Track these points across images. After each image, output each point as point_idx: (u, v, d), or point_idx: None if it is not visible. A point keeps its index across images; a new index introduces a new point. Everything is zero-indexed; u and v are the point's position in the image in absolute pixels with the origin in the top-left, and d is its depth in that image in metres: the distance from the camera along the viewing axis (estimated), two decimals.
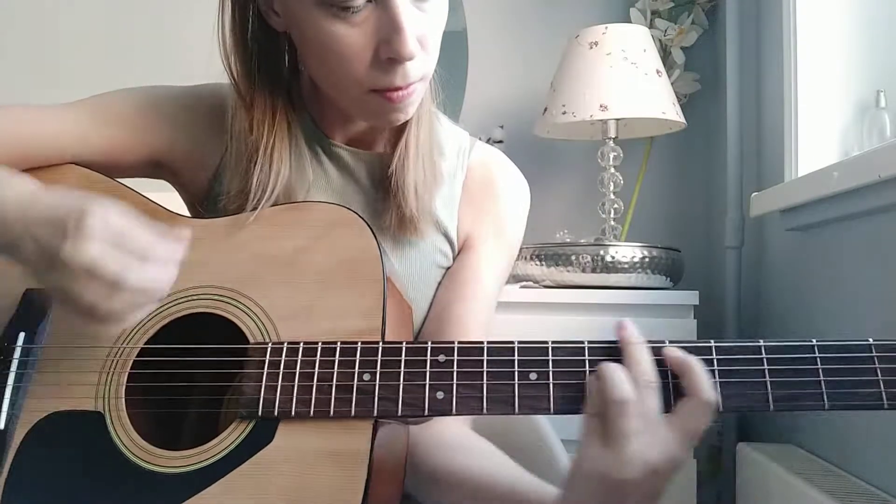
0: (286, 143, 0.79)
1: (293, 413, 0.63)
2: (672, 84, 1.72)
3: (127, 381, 0.68)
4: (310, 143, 0.84)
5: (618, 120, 1.70)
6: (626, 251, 1.56)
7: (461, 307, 0.82)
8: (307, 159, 0.83)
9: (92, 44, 2.10)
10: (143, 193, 0.79)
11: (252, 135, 0.78)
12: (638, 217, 1.85)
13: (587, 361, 0.61)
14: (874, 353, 0.59)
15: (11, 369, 0.69)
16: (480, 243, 0.85)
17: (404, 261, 0.82)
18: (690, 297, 1.55)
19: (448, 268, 0.86)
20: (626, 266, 1.55)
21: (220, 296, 0.70)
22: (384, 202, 0.81)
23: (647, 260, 1.56)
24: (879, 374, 0.58)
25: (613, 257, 1.55)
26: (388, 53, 0.69)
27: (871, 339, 0.60)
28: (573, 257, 1.57)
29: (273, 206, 0.75)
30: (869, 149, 1.27)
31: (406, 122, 0.79)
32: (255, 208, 0.76)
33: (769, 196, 1.42)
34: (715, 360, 0.60)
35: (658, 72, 1.66)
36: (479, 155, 0.88)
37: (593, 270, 1.56)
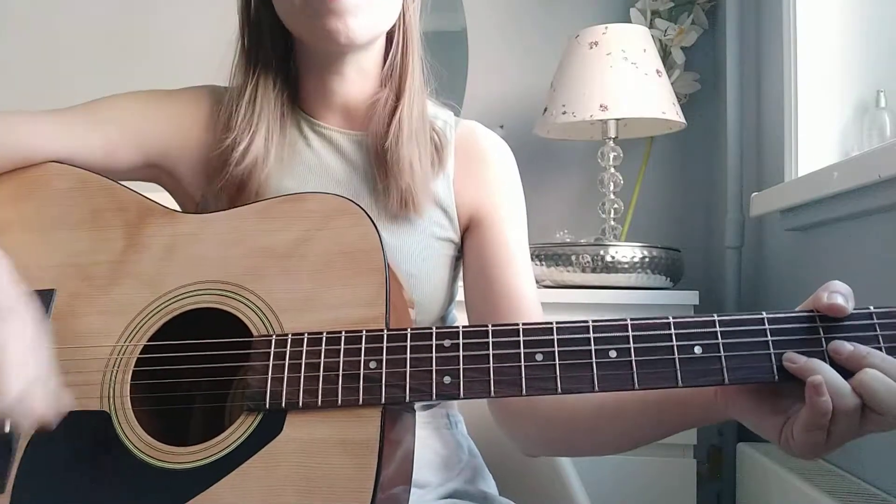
0: (270, 89, 0.83)
1: (300, 404, 0.63)
2: (672, 84, 1.72)
3: (132, 379, 0.68)
4: (299, 126, 0.85)
5: (618, 120, 1.70)
6: (626, 251, 1.56)
7: (514, 280, 0.84)
8: (298, 143, 0.85)
9: (90, 47, 2.09)
10: (139, 192, 0.79)
11: (241, 76, 0.83)
12: (638, 217, 1.85)
13: (592, 340, 0.62)
14: (875, 321, 0.60)
15: None
16: (498, 217, 0.87)
17: (403, 236, 0.83)
18: (690, 297, 1.55)
19: (448, 240, 0.87)
20: (626, 266, 1.55)
21: (222, 290, 0.70)
22: (384, 183, 0.82)
23: (647, 260, 1.56)
24: (882, 342, 0.59)
25: (613, 257, 1.55)
26: None
27: (871, 307, 0.60)
28: (573, 257, 1.57)
29: (271, 197, 0.76)
30: (869, 149, 1.27)
31: (399, 101, 0.83)
32: (239, 153, 0.79)
33: (769, 196, 1.42)
34: (718, 333, 0.61)
35: (658, 72, 1.66)
36: (463, 129, 0.90)
37: (593, 270, 1.56)
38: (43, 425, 0.62)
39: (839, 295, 0.60)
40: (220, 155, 0.81)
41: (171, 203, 0.87)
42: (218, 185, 0.81)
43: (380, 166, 0.82)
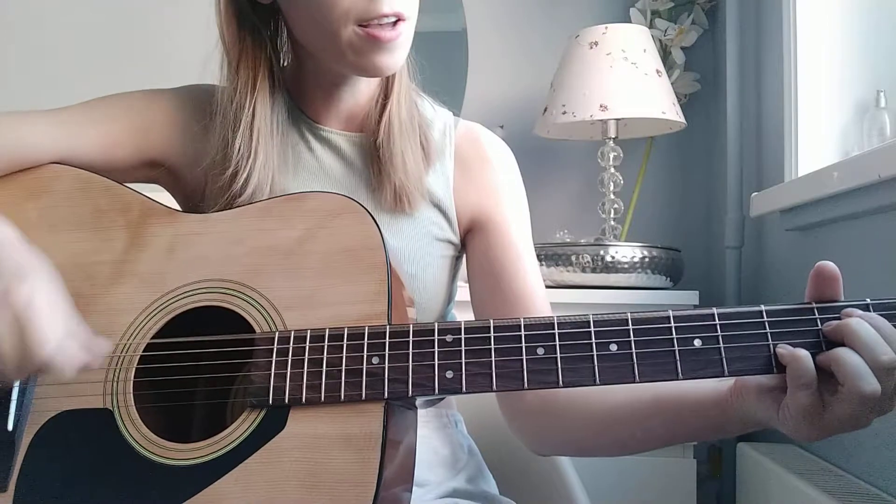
0: (268, 113, 0.81)
1: (304, 400, 0.63)
2: (672, 84, 1.72)
3: (134, 377, 0.68)
4: (300, 129, 0.85)
5: (618, 120, 1.71)
6: (626, 251, 1.56)
7: (523, 280, 0.85)
8: (299, 146, 0.85)
9: (88, 48, 2.09)
10: (141, 192, 0.79)
11: (235, 98, 0.80)
12: (638, 217, 1.85)
13: (592, 333, 0.63)
14: (872, 312, 0.60)
15: None
16: (501, 218, 0.87)
17: (400, 235, 0.83)
18: (690, 297, 1.55)
19: (447, 240, 0.87)
20: (626, 266, 1.55)
21: (224, 288, 0.70)
22: (377, 179, 0.83)
23: (647, 260, 1.56)
24: None
25: (613, 257, 1.55)
26: None
27: (868, 299, 0.61)
28: (573, 257, 1.57)
29: (273, 197, 0.76)
30: (869, 149, 1.27)
31: (388, 100, 0.83)
32: (240, 185, 0.78)
33: (769, 196, 1.42)
34: (718, 326, 0.61)
35: (658, 72, 1.66)
36: (463, 130, 0.90)
37: (593, 270, 1.56)
38: (87, 369, 0.64)
39: (825, 263, 0.61)
40: (220, 188, 0.80)
41: (173, 203, 0.87)
42: (220, 208, 0.81)
43: (374, 163, 0.83)
